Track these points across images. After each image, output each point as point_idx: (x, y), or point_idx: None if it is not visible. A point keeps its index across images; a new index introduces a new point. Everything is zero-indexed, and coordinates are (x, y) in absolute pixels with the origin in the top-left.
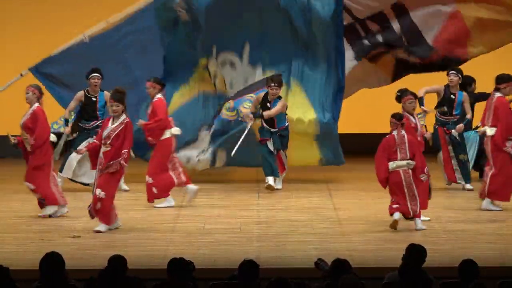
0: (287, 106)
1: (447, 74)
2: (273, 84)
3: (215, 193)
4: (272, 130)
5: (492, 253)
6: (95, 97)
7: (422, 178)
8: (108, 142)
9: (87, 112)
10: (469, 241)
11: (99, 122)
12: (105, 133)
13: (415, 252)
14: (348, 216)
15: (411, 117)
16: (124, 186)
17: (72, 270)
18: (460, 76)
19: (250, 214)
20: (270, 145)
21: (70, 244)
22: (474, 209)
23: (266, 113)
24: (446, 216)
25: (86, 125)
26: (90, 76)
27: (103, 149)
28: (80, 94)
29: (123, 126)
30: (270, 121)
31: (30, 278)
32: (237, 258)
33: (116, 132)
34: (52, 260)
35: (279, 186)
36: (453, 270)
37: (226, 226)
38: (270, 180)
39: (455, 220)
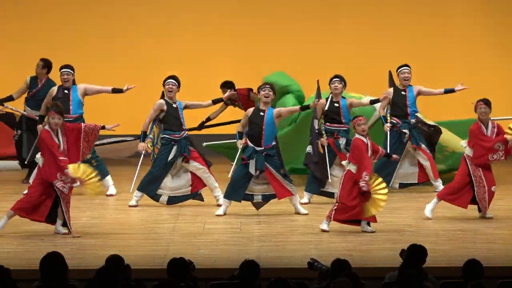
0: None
1: (331, 83)
2: (267, 86)
3: None
4: (258, 148)
5: (492, 253)
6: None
7: None
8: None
9: (172, 121)
10: (469, 241)
11: (186, 133)
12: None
13: (415, 252)
14: None
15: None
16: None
17: (72, 270)
18: (344, 83)
19: (250, 214)
20: (252, 167)
21: (70, 244)
22: (474, 209)
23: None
24: (446, 216)
25: (176, 135)
26: (166, 82)
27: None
28: (161, 102)
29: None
30: (256, 138)
31: (30, 278)
32: (237, 258)
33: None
34: (53, 260)
35: (303, 212)
36: (453, 270)
37: (226, 226)
38: (222, 207)
39: (455, 220)
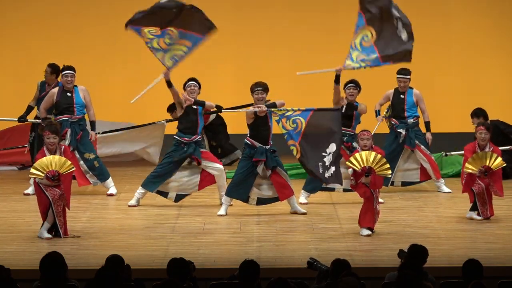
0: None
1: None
2: (259, 88)
3: (215, 193)
4: (266, 147)
5: (492, 253)
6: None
7: None
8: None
9: (186, 124)
10: (469, 241)
11: (199, 137)
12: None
13: (416, 252)
14: (348, 216)
15: None
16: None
17: (72, 270)
18: (359, 88)
19: (250, 214)
20: (260, 168)
21: (70, 244)
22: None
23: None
24: (446, 216)
25: (186, 139)
26: (188, 84)
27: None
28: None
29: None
30: (264, 137)
31: (30, 278)
32: (237, 258)
33: None
34: (53, 260)
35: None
36: (453, 270)
37: (226, 226)
38: (223, 207)
39: (455, 220)
